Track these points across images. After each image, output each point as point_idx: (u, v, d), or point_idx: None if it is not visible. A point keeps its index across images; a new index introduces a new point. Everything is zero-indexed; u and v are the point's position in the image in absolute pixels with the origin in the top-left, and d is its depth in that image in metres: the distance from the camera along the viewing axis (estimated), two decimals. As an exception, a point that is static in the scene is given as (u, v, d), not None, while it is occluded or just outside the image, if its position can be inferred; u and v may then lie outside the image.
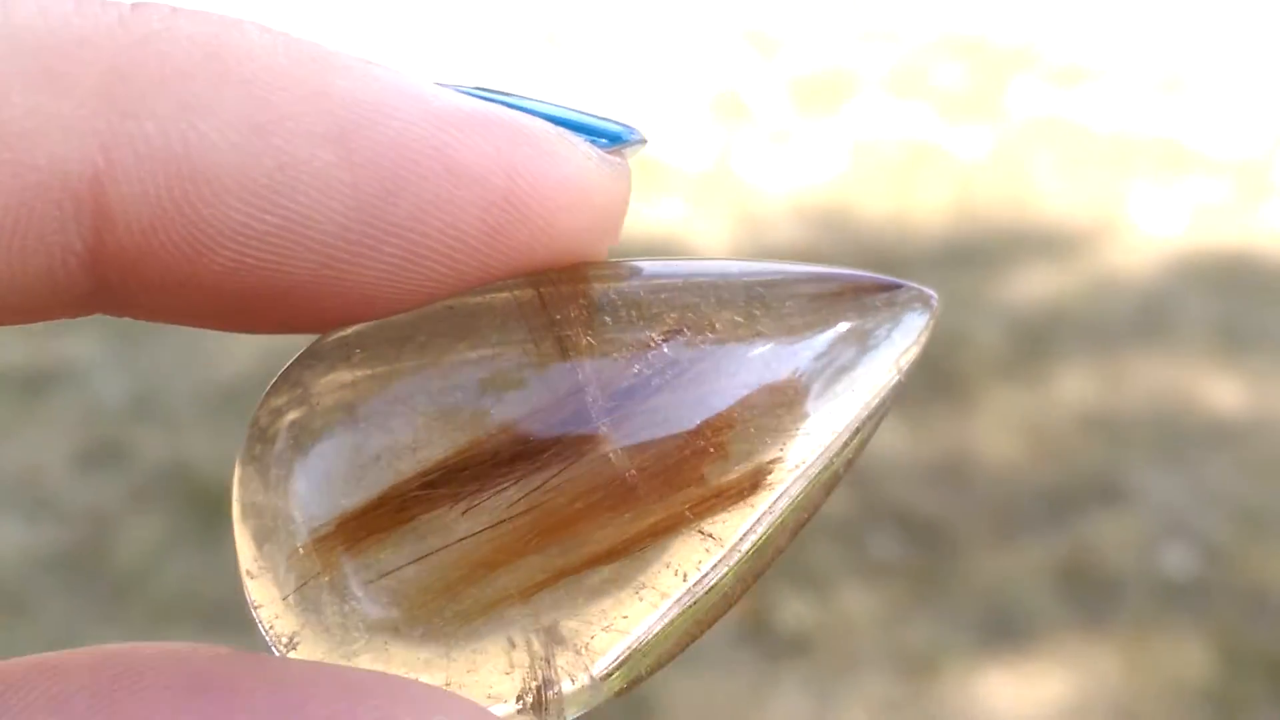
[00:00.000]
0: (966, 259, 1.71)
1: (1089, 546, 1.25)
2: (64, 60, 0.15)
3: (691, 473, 0.17)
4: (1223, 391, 1.45)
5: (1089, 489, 1.32)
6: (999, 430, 1.40)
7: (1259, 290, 1.65)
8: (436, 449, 0.17)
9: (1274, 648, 1.14)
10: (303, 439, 0.17)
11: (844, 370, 0.18)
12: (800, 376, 0.18)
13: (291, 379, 0.18)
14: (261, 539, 0.17)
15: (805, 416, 0.18)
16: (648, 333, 0.17)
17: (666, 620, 0.18)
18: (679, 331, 0.17)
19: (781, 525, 0.18)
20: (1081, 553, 1.24)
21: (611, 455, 0.17)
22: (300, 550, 0.17)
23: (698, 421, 0.17)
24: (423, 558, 0.17)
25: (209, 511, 1.27)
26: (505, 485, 0.17)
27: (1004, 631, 1.16)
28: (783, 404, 0.18)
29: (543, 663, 0.17)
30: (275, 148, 0.15)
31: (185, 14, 0.16)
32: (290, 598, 0.17)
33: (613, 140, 0.18)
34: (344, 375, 0.17)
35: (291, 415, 0.17)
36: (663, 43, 2.39)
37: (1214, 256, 1.71)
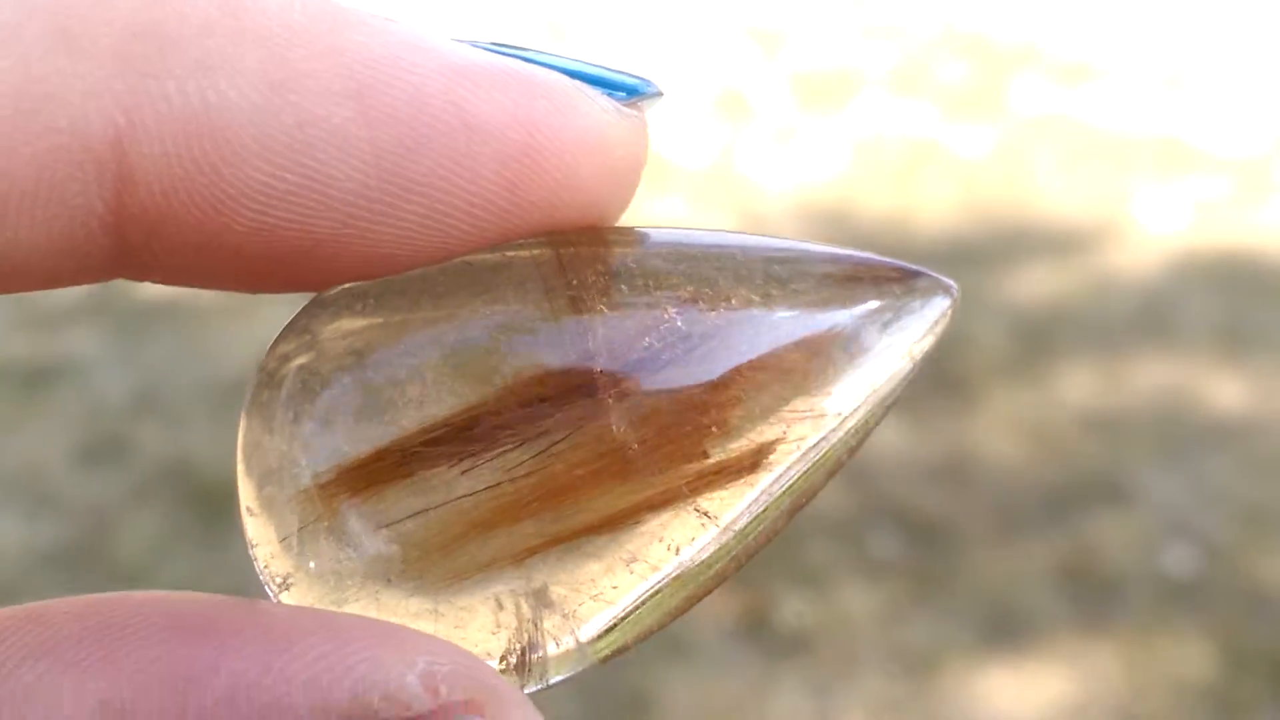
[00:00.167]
0: (968, 257, 1.71)
1: (1090, 545, 1.25)
2: (82, 21, 0.15)
3: (693, 448, 0.17)
4: (1224, 390, 1.45)
5: (1090, 488, 1.31)
6: (1000, 428, 1.40)
7: (1261, 289, 1.65)
8: (443, 405, 0.17)
9: (1275, 647, 1.14)
10: (310, 384, 0.17)
11: (856, 355, 0.18)
12: (811, 358, 0.18)
13: (299, 326, 0.18)
14: (264, 480, 0.17)
15: (812, 398, 0.18)
16: (662, 304, 0.17)
17: (656, 593, 0.18)
18: (693, 305, 0.17)
19: (779, 507, 0.18)
20: (1082, 552, 1.24)
21: (614, 427, 0.17)
22: (301, 495, 0.17)
23: (704, 398, 0.17)
24: (421, 513, 0.17)
25: (210, 507, 1.27)
26: (507, 448, 0.17)
27: (1004, 630, 1.16)
28: (791, 385, 0.18)
29: (530, 625, 0.17)
30: (294, 105, 0.15)
31: None
32: (288, 540, 0.17)
33: (630, 93, 0.18)
34: (354, 323, 0.17)
35: (299, 360, 0.17)
36: (666, 39, 2.39)
37: (1216, 255, 1.71)
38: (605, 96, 0.17)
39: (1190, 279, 1.66)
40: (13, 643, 0.15)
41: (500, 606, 0.17)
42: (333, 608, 0.17)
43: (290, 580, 0.17)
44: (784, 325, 0.18)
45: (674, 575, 0.18)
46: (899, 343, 0.18)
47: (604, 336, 0.17)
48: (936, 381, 1.43)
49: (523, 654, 0.17)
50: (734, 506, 0.18)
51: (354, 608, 0.17)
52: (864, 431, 0.18)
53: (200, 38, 0.15)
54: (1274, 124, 2.06)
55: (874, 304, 0.18)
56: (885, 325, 0.18)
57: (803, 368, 0.18)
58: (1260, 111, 2.10)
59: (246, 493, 0.17)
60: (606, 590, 0.17)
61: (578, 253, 0.17)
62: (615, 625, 0.18)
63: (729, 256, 0.18)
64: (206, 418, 1.42)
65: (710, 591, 0.18)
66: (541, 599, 0.17)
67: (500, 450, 0.17)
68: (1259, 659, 1.12)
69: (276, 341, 0.18)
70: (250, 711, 0.14)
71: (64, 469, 1.36)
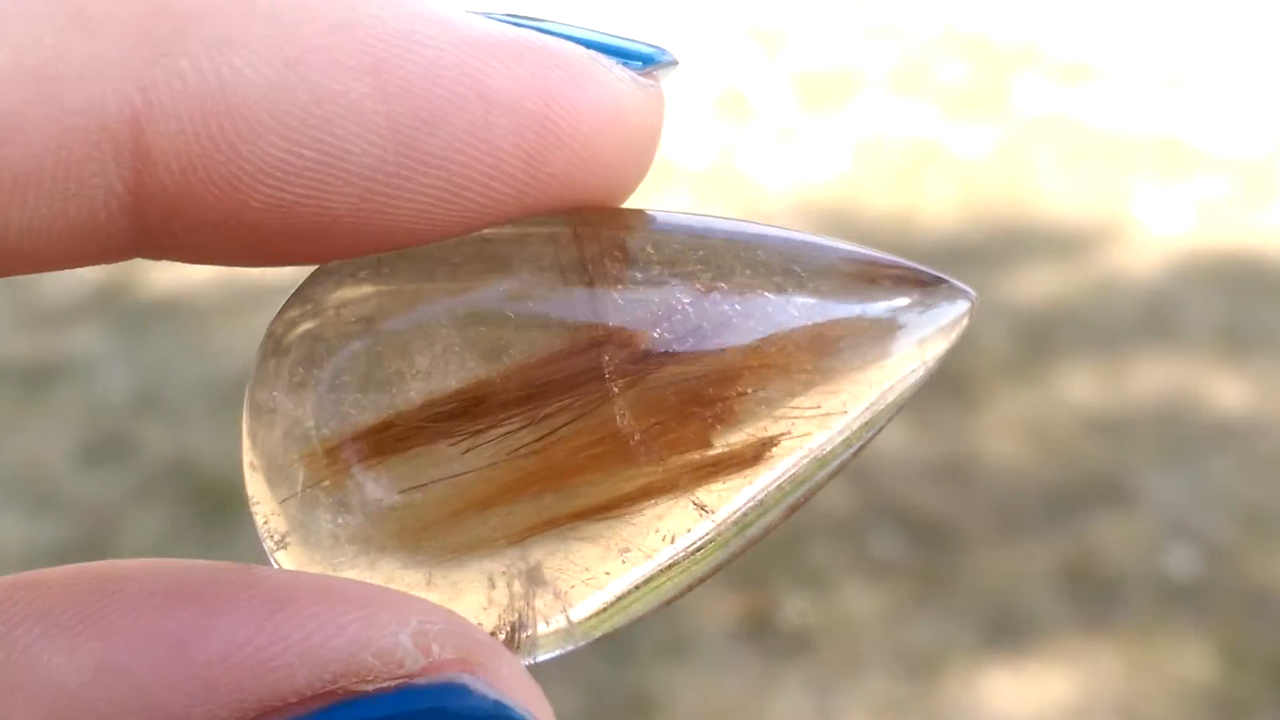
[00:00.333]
0: (969, 257, 1.71)
1: (1092, 546, 1.25)
2: (96, 1, 0.15)
3: (696, 440, 0.17)
4: (1226, 391, 1.45)
5: (1092, 489, 1.31)
6: (1002, 429, 1.40)
7: (1263, 289, 1.65)
8: (450, 378, 0.17)
9: (1276, 648, 1.14)
10: (318, 350, 0.17)
11: (869, 356, 0.18)
12: (822, 357, 0.18)
13: (308, 293, 0.18)
14: (268, 439, 0.17)
15: (820, 397, 0.18)
16: (676, 294, 0.17)
17: (648, 580, 0.18)
18: (707, 295, 0.17)
19: (778, 504, 0.18)
20: (1084, 553, 1.24)
21: (619, 415, 0.17)
22: (304, 457, 0.17)
23: (710, 391, 0.17)
24: (422, 485, 0.17)
25: (212, 506, 1.27)
26: (511, 428, 0.17)
27: (1006, 631, 1.16)
28: (799, 382, 0.17)
29: (521, 603, 0.17)
30: (309, 81, 0.15)
31: None
32: (288, 500, 0.17)
33: (645, 62, 0.18)
34: (366, 290, 0.17)
35: (308, 325, 0.17)
36: (667, 39, 2.39)
37: (1218, 255, 1.71)
38: (621, 66, 0.17)
39: (1192, 280, 1.66)
40: (6, 609, 0.15)
41: (493, 584, 0.17)
42: (328, 572, 0.17)
43: (288, 539, 0.17)
44: (797, 321, 0.17)
45: (667, 564, 0.18)
46: (913, 347, 0.18)
47: (616, 323, 0.17)
48: (938, 382, 1.42)
49: (512, 630, 0.18)
50: (732, 500, 0.18)
51: (349, 574, 0.17)
52: (870, 433, 0.18)
53: (214, 15, 0.15)
54: (1276, 124, 2.06)
55: (891, 306, 0.18)
56: (901, 328, 0.18)
57: (813, 366, 0.17)
58: (1262, 112, 2.10)
59: (249, 451, 0.18)
60: (599, 575, 0.18)
61: (596, 235, 0.17)
62: (606, 609, 0.18)
63: (747, 247, 0.18)
64: (208, 416, 1.42)
65: (704, 581, 0.18)
66: (534, 578, 0.17)
67: (505, 430, 0.17)
68: (1260, 660, 1.12)
69: (286, 306, 0.18)
70: (244, 670, 0.14)
71: (66, 468, 1.36)
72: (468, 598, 0.17)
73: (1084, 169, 1.94)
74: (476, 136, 0.16)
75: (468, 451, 0.17)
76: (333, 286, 0.17)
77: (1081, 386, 1.47)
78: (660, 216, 0.18)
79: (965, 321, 0.18)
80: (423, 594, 0.17)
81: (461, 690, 0.15)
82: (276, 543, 0.17)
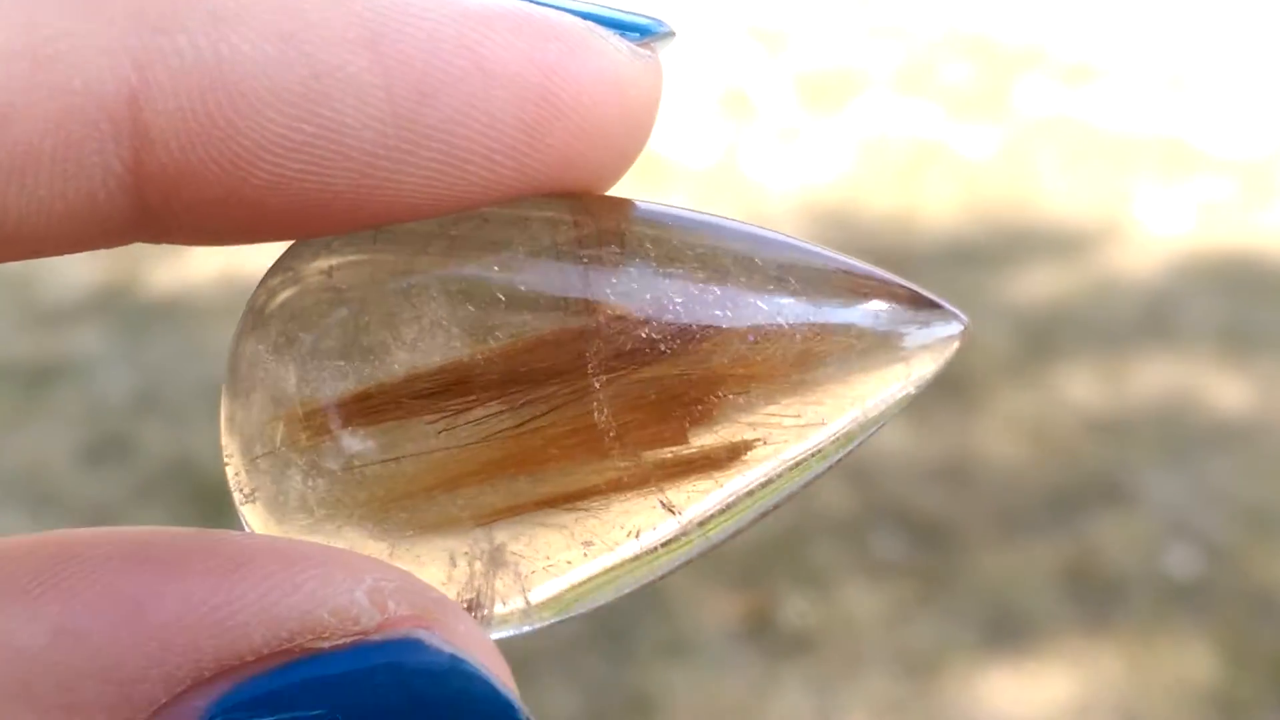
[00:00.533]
0: (972, 258, 1.71)
1: (1093, 547, 1.25)
2: None
3: (670, 440, 0.17)
4: (1227, 392, 1.45)
5: (1093, 489, 1.31)
6: (1003, 429, 1.40)
7: (1264, 290, 1.65)
8: (435, 354, 0.17)
9: (1277, 648, 1.13)
10: (303, 316, 0.17)
11: (855, 371, 0.18)
12: (807, 367, 0.18)
13: (286, 264, 0.18)
14: (247, 399, 0.17)
15: (800, 408, 0.18)
16: (668, 292, 0.17)
17: (608, 571, 0.18)
18: (699, 296, 0.17)
19: (746, 509, 0.18)
20: (1085, 553, 1.24)
21: (596, 410, 0.17)
22: (281, 419, 0.17)
23: (690, 393, 0.17)
24: (394, 459, 0.17)
25: (213, 506, 1.27)
26: (489, 412, 0.17)
27: (1007, 631, 1.16)
28: (781, 390, 0.17)
29: (480, 581, 0.17)
30: (307, 56, 0.15)
31: None
32: (259, 460, 0.17)
33: (642, 34, 0.18)
34: (355, 258, 0.17)
35: (289, 291, 0.17)
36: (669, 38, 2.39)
37: (1219, 256, 1.71)
38: (618, 37, 0.17)
39: (1193, 280, 1.66)
40: None
41: (454, 561, 0.17)
42: (294, 534, 0.17)
43: (256, 495, 0.17)
44: (786, 331, 0.17)
45: (630, 559, 0.18)
46: (900, 366, 0.18)
47: (605, 316, 0.17)
48: (939, 382, 1.42)
49: (469, 608, 0.18)
50: (700, 502, 0.18)
51: (314, 539, 0.17)
52: (846, 449, 0.18)
53: None
54: (1277, 125, 2.06)
55: (882, 323, 0.18)
56: (890, 347, 0.18)
57: (797, 376, 0.18)
58: (1264, 113, 2.10)
59: (227, 406, 0.18)
60: (560, 563, 0.18)
61: (596, 223, 0.17)
62: (562, 595, 0.18)
63: (746, 250, 0.18)
64: (209, 417, 1.42)
65: (666, 577, 0.18)
66: (497, 559, 0.17)
67: (483, 413, 0.17)
68: (1261, 660, 1.12)
69: (270, 271, 0.18)
70: (200, 630, 0.14)
71: (67, 468, 1.36)
72: (429, 570, 0.17)
73: (1086, 170, 1.94)
74: (476, 109, 0.16)
75: (444, 430, 0.17)
76: (324, 256, 0.17)
77: (1082, 387, 1.47)
78: (661, 211, 0.18)
79: (956, 345, 0.19)
80: None
81: (417, 645, 0.15)
82: (246, 496, 0.17)
